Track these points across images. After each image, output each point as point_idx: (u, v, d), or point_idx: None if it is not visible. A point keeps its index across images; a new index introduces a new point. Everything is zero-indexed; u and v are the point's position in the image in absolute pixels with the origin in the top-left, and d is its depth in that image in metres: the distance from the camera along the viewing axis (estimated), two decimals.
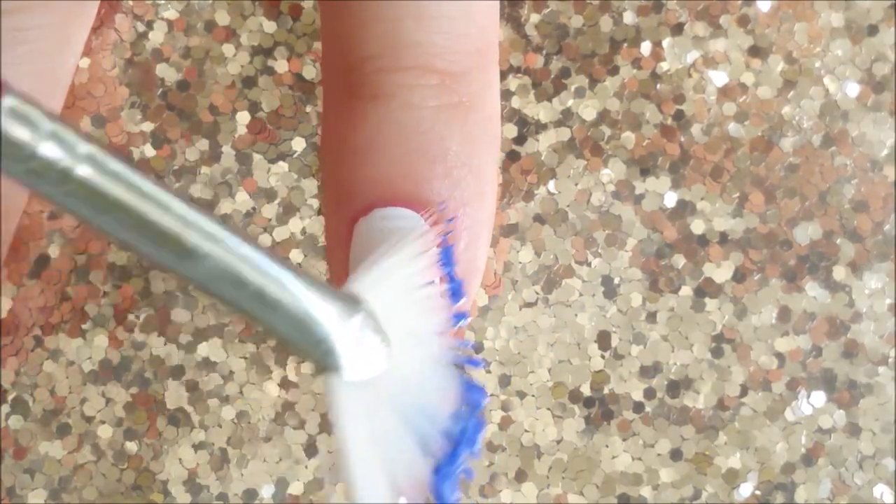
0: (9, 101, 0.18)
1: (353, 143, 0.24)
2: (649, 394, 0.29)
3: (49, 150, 0.18)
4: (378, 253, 0.22)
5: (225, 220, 0.20)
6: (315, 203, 0.30)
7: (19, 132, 0.18)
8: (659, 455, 0.29)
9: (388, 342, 0.21)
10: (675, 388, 0.29)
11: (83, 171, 0.19)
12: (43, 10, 0.24)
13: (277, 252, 0.29)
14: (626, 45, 0.30)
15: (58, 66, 0.26)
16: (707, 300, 0.30)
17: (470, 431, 0.22)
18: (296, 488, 0.29)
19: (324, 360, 0.21)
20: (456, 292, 0.24)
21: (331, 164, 0.25)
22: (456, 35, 0.24)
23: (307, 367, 0.29)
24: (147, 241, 0.19)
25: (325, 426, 0.29)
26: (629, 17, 0.30)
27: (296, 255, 0.29)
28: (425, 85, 0.24)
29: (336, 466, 0.29)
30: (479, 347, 0.29)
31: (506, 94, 0.30)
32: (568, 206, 0.30)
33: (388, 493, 0.21)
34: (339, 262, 0.24)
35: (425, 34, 0.24)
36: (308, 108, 0.30)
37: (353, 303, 0.21)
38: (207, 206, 0.29)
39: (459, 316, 0.24)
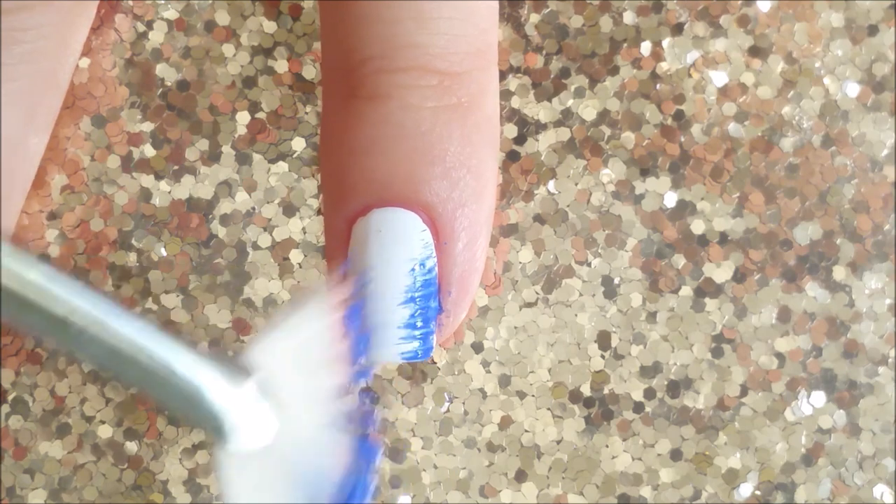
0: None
1: (351, 144, 0.24)
2: (649, 394, 0.29)
3: None
4: (280, 316, 0.23)
5: (109, 297, 0.21)
6: (315, 203, 0.30)
7: None
8: (659, 455, 0.29)
9: (279, 408, 0.22)
10: (675, 388, 0.29)
11: None
12: (42, 9, 0.24)
13: (163, 326, 0.30)
14: (626, 45, 0.30)
15: (57, 67, 0.26)
16: (707, 300, 0.29)
17: (360, 490, 0.23)
18: None
19: (213, 433, 0.21)
20: (361, 348, 0.24)
21: (329, 164, 0.25)
22: (456, 36, 0.24)
23: None
24: (33, 324, 0.20)
25: None
26: (629, 17, 0.30)
27: (295, 255, 0.29)
28: (424, 86, 0.24)
29: None
30: (478, 347, 0.29)
31: (506, 94, 0.30)
32: (568, 206, 0.30)
33: None
34: (337, 261, 0.24)
35: (425, 35, 0.24)
36: (308, 108, 0.30)
37: (242, 372, 0.22)
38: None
39: (362, 373, 0.24)
